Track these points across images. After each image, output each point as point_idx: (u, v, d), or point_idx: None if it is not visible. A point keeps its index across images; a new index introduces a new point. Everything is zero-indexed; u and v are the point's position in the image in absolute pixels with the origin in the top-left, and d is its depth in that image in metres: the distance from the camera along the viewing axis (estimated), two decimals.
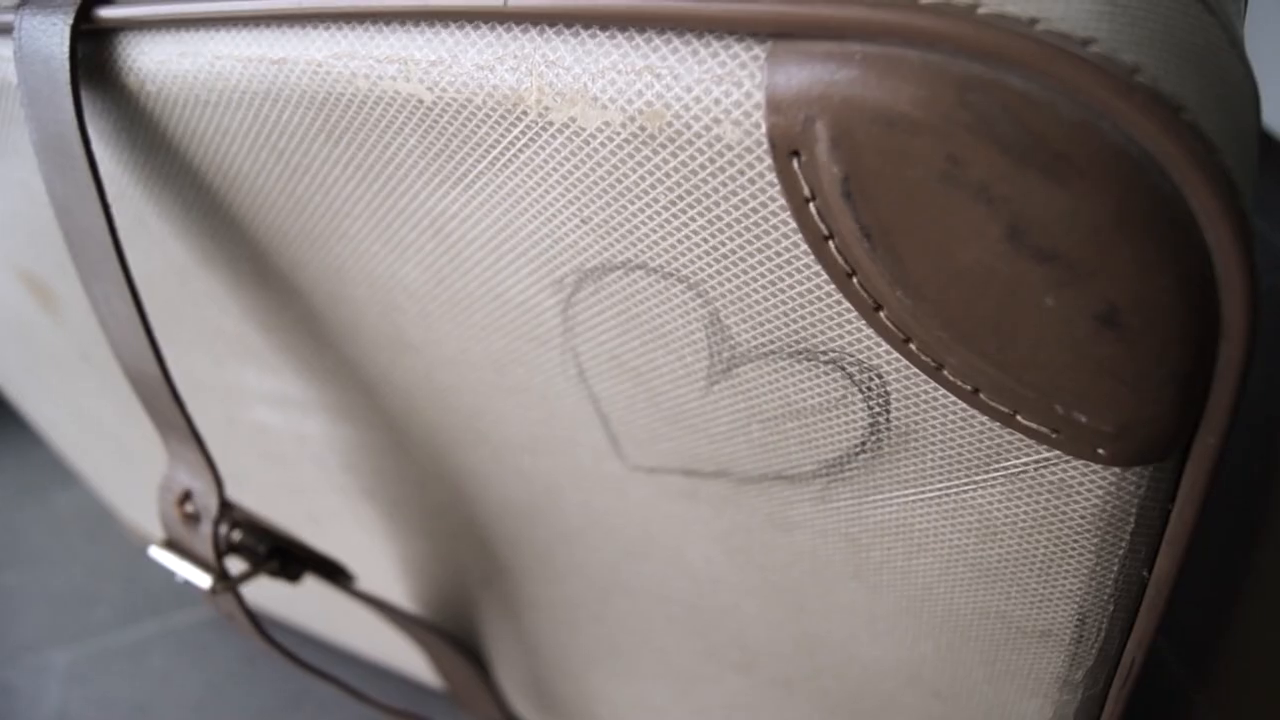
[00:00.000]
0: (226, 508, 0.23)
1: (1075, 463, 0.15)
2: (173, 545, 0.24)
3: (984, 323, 0.14)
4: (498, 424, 0.23)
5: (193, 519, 0.24)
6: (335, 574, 0.28)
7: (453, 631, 0.34)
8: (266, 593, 0.42)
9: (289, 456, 0.30)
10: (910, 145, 0.12)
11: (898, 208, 0.13)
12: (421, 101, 0.16)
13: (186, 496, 0.24)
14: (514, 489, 0.26)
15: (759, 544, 0.21)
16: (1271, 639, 0.30)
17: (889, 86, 0.12)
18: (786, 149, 0.13)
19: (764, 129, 0.13)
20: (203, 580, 0.24)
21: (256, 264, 0.23)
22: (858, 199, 0.13)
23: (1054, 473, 0.16)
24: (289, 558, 0.26)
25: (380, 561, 0.33)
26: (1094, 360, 0.13)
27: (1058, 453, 0.15)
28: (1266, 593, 0.30)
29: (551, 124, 0.15)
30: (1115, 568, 0.17)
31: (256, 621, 0.25)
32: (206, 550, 0.23)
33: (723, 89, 0.13)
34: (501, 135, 0.16)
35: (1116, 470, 0.15)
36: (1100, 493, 0.15)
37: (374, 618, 0.36)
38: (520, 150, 0.16)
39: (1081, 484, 0.15)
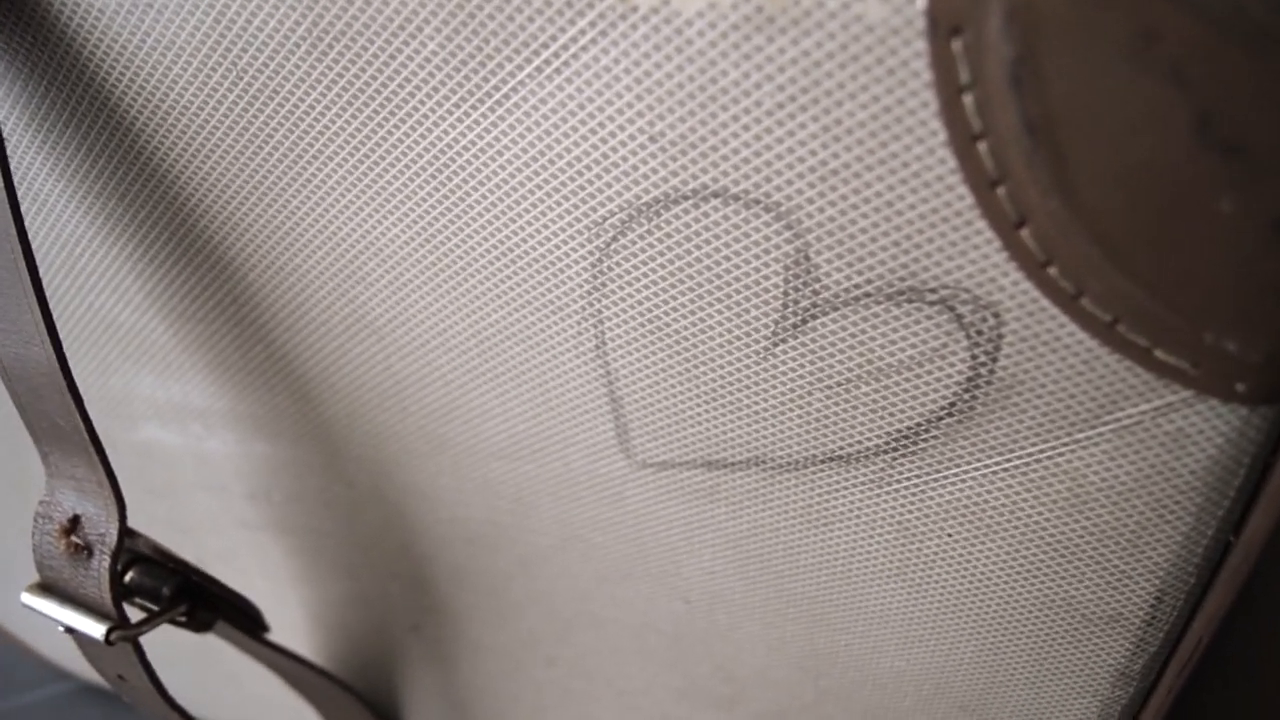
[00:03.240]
0: (128, 536, 0.19)
1: (1200, 406, 0.14)
2: (50, 589, 0.20)
3: (1143, 234, 0.12)
4: (469, 424, 0.20)
5: (82, 551, 0.19)
6: (251, 622, 0.23)
7: (365, 694, 0.30)
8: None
9: (180, 486, 0.25)
10: (1099, 19, 0.11)
11: (1073, 95, 0.11)
12: None
13: (74, 524, 0.19)
14: (471, 507, 0.22)
15: (782, 546, 0.19)
16: (1258, 660, 0.30)
17: None
18: (949, 26, 0.11)
19: (922, 3, 0.11)
20: (95, 629, 0.19)
21: (177, 230, 0.19)
22: (1028, 85, 0.11)
23: (1173, 421, 0.14)
24: (200, 601, 0.21)
25: (283, 611, 0.28)
26: (1262, 275, 0.12)
27: (1185, 395, 0.14)
28: (1257, 611, 0.30)
29: (635, 9, 0.13)
30: (1210, 532, 0.16)
31: (159, 682, 0.20)
32: (100, 590, 0.19)
33: None
34: (561, 30, 0.13)
35: (1243, 412, 0.14)
36: (1220, 440, 0.14)
37: (264, 687, 0.31)
38: (584, 49, 0.13)
39: (1201, 432, 0.14)
